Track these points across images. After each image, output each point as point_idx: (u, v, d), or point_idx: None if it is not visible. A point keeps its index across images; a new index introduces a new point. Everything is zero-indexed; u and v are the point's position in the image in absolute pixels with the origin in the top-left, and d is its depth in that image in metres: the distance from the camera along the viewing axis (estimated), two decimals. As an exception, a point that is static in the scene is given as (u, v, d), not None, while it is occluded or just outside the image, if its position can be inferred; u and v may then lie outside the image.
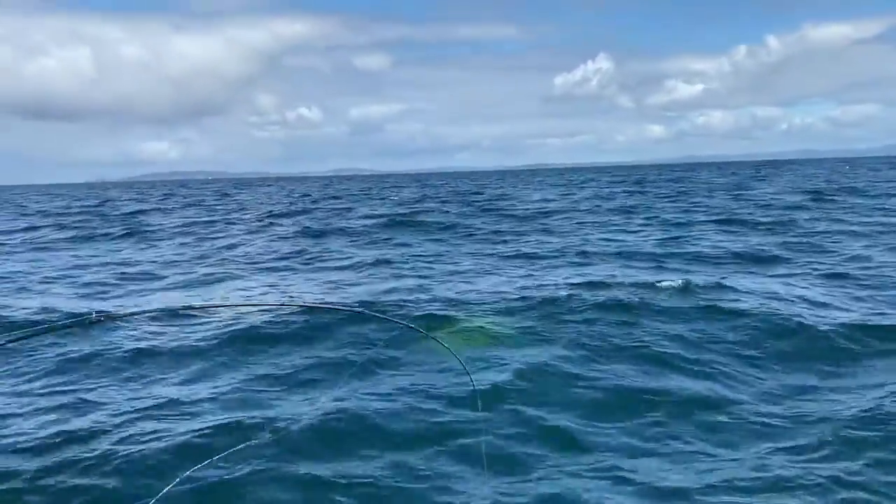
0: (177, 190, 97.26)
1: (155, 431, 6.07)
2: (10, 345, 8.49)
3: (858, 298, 11.06)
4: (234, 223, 31.48)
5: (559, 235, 22.05)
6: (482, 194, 52.47)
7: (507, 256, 17.35)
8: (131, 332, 9.70)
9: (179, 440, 5.84)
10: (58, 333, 9.11)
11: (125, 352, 8.72)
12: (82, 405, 6.90)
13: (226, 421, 6.30)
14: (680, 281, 12.05)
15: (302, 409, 6.65)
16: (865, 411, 6.27)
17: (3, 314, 10.97)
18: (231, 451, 4.43)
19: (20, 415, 6.64)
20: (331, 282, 14.43)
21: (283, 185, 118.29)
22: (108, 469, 5.36)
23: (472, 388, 5.81)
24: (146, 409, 6.68)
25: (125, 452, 5.61)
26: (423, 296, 11.99)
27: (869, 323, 9.12)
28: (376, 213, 34.63)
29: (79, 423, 6.34)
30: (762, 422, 6.27)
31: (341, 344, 8.91)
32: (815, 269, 13.85)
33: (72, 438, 5.95)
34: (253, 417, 6.37)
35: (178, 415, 6.52)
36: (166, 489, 3.82)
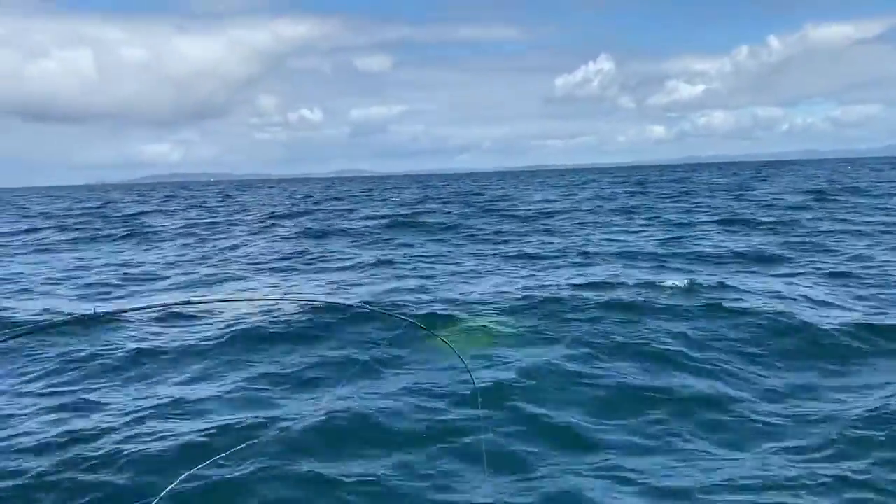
0: (178, 192, 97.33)
1: (158, 431, 6.08)
2: (13, 345, 8.53)
3: (861, 297, 11.05)
4: (235, 224, 31.50)
5: (561, 236, 22.03)
6: (483, 195, 52.44)
7: (509, 257, 17.34)
8: (134, 332, 9.71)
9: (182, 439, 5.84)
10: (61, 334, 9.12)
11: (128, 351, 8.73)
12: (85, 405, 6.90)
13: (229, 420, 6.30)
14: (682, 281, 12.04)
15: (304, 407, 6.66)
16: (870, 411, 6.25)
17: (6, 315, 10.98)
18: (234, 449, 4.43)
19: (24, 415, 6.64)
20: (333, 282, 14.43)
21: (285, 186, 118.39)
22: (111, 468, 5.35)
23: (473, 386, 5.82)
24: (149, 408, 6.68)
25: (129, 451, 5.61)
26: (424, 296, 12.00)
27: (872, 322, 9.10)
28: (378, 213, 34.64)
29: (82, 423, 6.34)
30: (766, 421, 6.25)
31: (343, 343, 8.92)
32: (818, 269, 13.83)
33: (75, 438, 5.95)
34: (256, 416, 6.37)
35: (180, 414, 6.52)
36: (169, 487, 3.81)
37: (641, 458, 5.58)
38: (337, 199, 55.59)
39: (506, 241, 20.87)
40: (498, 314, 10.16)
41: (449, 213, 33.64)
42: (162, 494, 3.71)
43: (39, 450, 5.74)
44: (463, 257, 17.52)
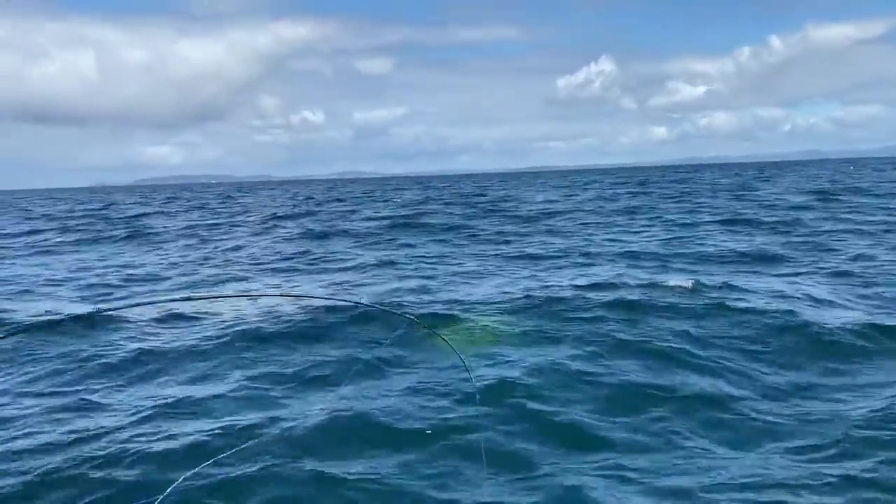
0: (180, 193, 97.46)
1: (161, 430, 6.07)
2: (15, 345, 8.53)
3: (865, 297, 11.02)
4: (238, 226, 31.54)
5: (563, 236, 22.02)
6: (485, 196, 52.43)
7: (511, 257, 17.34)
8: (136, 332, 9.70)
9: (185, 439, 5.83)
10: (61, 334, 9.12)
11: (130, 351, 8.72)
12: (88, 404, 6.89)
13: (231, 419, 6.30)
14: (685, 280, 12.01)
15: (307, 406, 6.65)
16: (875, 411, 6.22)
17: (9, 316, 10.98)
18: (237, 448, 4.42)
19: (26, 415, 6.63)
20: (335, 283, 14.44)
21: (287, 188, 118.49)
22: (114, 467, 5.34)
23: (474, 386, 5.83)
24: (151, 407, 6.67)
25: (132, 450, 5.61)
26: (426, 296, 11.99)
27: (876, 322, 9.06)
28: (380, 215, 34.67)
29: (85, 423, 6.34)
30: (770, 420, 6.23)
31: (346, 342, 8.92)
32: (821, 269, 13.81)
33: (78, 437, 5.94)
34: (258, 415, 6.37)
35: (183, 413, 6.51)
36: (173, 486, 3.81)
37: (644, 456, 5.55)
38: (339, 200, 55.64)
39: (508, 242, 20.86)
40: (500, 314, 10.14)
41: (451, 213, 33.65)
42: (166, 493, 3.70)
43: (42, 449, 5.73)
44: (465, 258, 17.51)
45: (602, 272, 14.03)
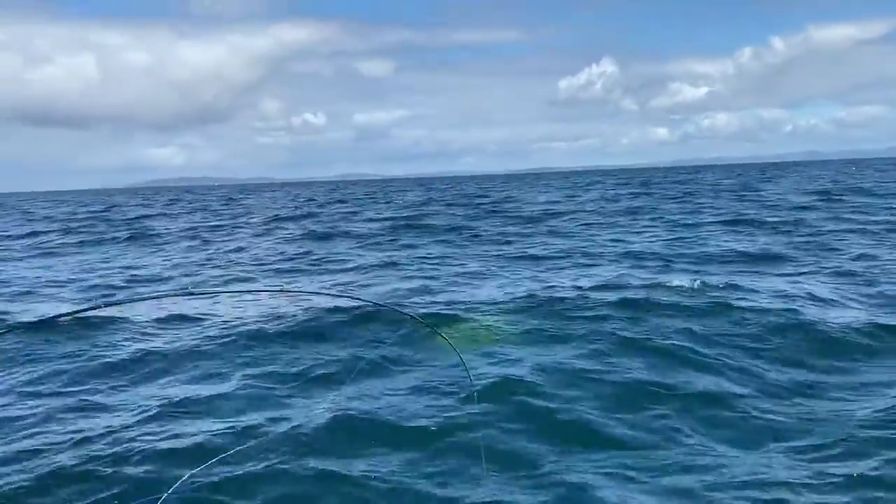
0: (182, 195, 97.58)
1: (164, 429, 6.07)
2: (17, 345, 8.55)
3: (868, 296, 10.99)
4: (240, 227, 31.57)
5: (565, 237, 22.00)
6: (487, 197, 52.43)
7: (514, 258, 17.32)
8: (138, 332, 9.72)
9: (189, 438, 5.84)
10: (65, 334, 9.14)
11: (133, 351, 8.74)
12: (91, 404, 6.90)
13: (235, 418, 6.31)
14: (688, 280, 12.00)
15: (309, 405, 6.66)
16: (879, 410, 6.20)
17: (11, 318, 11.00)
18: (241, 447, 4.42)
19: (29, 414, 6.64)
20: (338, 283, 14.44)
21: (289, 190, 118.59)
22: (120, 465, 5.35)
23: (472, 385, 5.84)
24: (155, 407, 6.68)
25: (136, 449, 5.61)
26: (429, 296, 11.99)
27: (879, 321, 9.04)
28: (382, 216, 34.68)
29: (89, 422, 6.35)
30: (774, 419, 6.21)
31: (348, 341, 8.92)
32: (824, 268, 13.78)
33: (81, 436, 5.95)
34: (262, 414, 6.38)
35: (186, 413, 6.52)
36: (177, 484, 3.81)
37: (647, 454, 5.54)
38: (341, 201, 55.68)
39: (510, 243, 20.85)
40: (503, 313, 10.14)
41: (453, 214, 33.66)
42: (170, 490, 3.71)
43: (46, 448, 5.74)
44: (467, 258, 17.50)
45: (605, 272, 14.02)
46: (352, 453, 5.59)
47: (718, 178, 79.49)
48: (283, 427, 6.00)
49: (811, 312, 9.56)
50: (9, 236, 30.53)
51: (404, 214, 34.60)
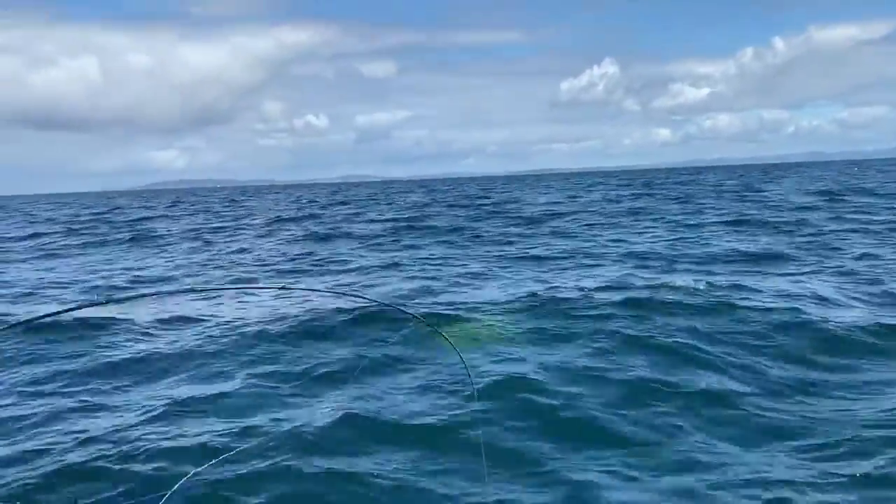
0: (185, 197, 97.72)
1: (168, 429, 6.08)
2: (19, 345, 8.57)
3: (871, 295, 10.98)
4: (242, 228, 31.61)
5: (568, 238, 21.99)
6: (489, 198, 52.42)
7: (516, 258, 17.32)
8: (140, 332, 9.74)
9: (193, 437, 5.85)
10: (67, 334, 9.17)
11: (135, 351, 8.76)
12: (95, 404, 6.91)
13: (239, 417, 6.31)
14: (691, 280, 11.99)
15: (313, 404, 6.66)
16: (882, 409, 6.19)
17: (15, 319, 11.00)
18: (243, 447, 4.42)
19: (32, 414, 6.65)
20: (340, 284, 14.46)
21: (291, 191, 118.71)
22: (124, 464, 5.36)
23: (472, 384, 5.84)
24: (158, 406, 6.68)
25: (141, 448, 5.62)
26: (431, 297, 12.00)
27: (882, 320, 9.03)
28: (384, 217, 34.70)
29: (92, 421, 6.36)
30: (777, 418, 6.20)
31: (351, 340, 8.92)
32: (827, 268, 13.77)
33: (87, 436, 5.95)
34: (265, 413, 6.38)
35: (191, 412, 6.52)
36: (179, 483, 3.81)
37: (650, 452, 5.54)
38: (343, 203, 55.71)
39: (512, 243, 20.85)
40: (505, 313, 10.14)
41: (455, 216, 33.68)
42: (173, 489, 3.71)
43: (50, 448, 5.75)
44: (469, 259, 17.50)
45: (607, 273, 14.01)
46: (355, 452, 5.59)
47: (720, 178, 79.41)
48: (287, 426, 6.01)
49: (814, 312, 9.54)
50: (11, 238, 30.58)
51: (406, 216, 34.62)
